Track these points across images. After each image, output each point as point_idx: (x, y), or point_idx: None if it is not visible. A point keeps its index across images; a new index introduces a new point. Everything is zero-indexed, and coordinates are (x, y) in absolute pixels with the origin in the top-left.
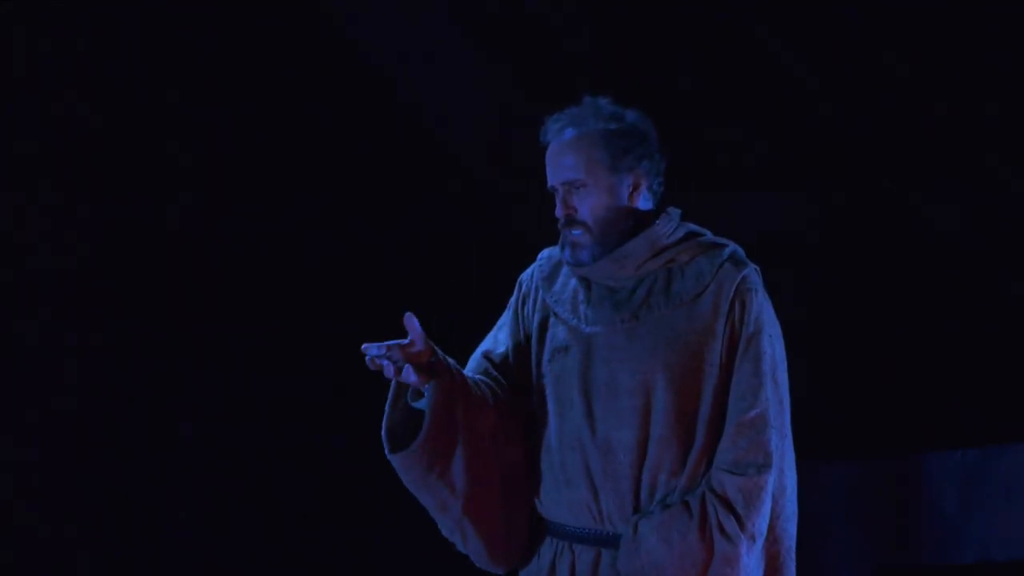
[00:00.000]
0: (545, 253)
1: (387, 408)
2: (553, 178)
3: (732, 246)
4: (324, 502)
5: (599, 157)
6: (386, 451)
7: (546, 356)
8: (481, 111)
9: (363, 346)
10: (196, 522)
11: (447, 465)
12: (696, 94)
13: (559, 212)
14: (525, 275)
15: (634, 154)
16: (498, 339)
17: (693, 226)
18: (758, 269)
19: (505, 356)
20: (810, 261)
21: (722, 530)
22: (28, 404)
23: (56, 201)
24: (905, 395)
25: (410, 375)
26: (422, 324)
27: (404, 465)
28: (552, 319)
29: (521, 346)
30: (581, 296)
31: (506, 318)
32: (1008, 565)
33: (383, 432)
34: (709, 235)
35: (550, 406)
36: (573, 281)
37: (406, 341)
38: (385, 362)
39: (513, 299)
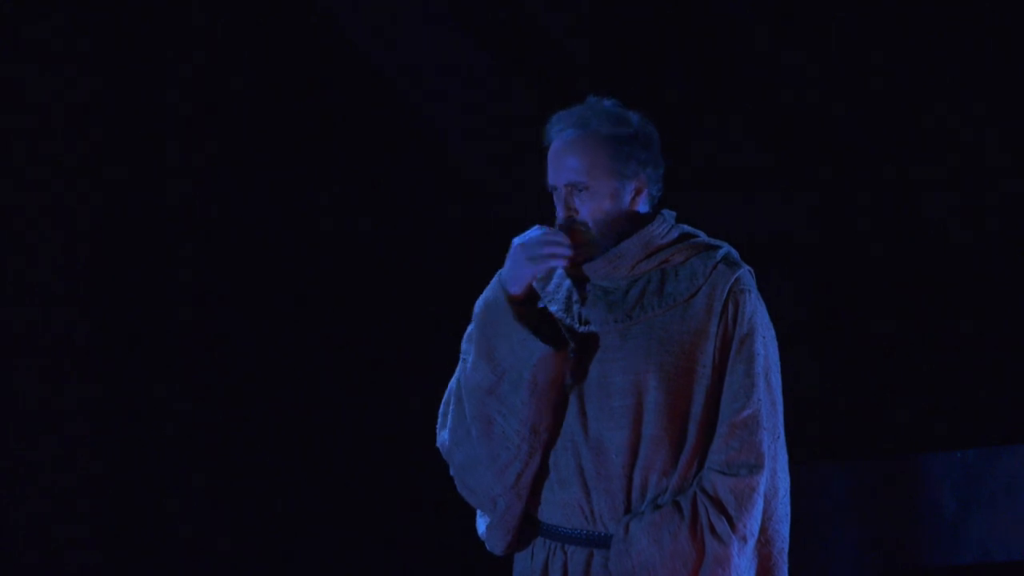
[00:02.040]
0: None
1: (504, 303)
2: (555, 178)
3: (726, 247)
4: (322, 502)
5: (604, 162)
6: (536, 343)
7: None
8: (481, 112)
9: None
10: (195, 522)
11: (561, 389)
12: (694, 94)
13: (559, 214)
14: None
15: (638, 160)
16: None
17: (687, 227)
18: (752, 271)
19: None
20: (809, 261)
21: (713, 531)
22: (28, 401)
23: (53, 198)
24: (905, 395)
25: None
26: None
27: (552, 362)
28: None
29: None
30: (575, 296)
31: None
32: (1008, 565)
33: (524, 325)
34: (703, 236)
35: None
36: (567, 282)
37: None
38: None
39: None
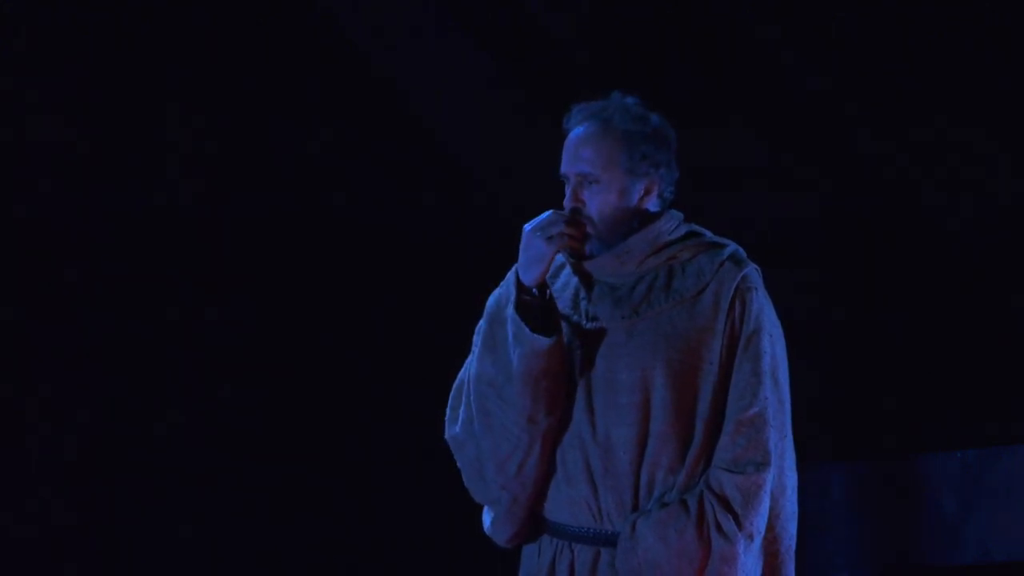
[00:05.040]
0: None
1: (514, 297)
2: (568, 166)
3: (733, 245)
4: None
5: (618, 158)
6: (526, 331)
7: None
8: (481, 112)
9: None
10: (195, 519)
11: (558, 378)
12: (695, 94)
13: (567, 202)
14: None
15: (652, 160)
16: None
17: (694, 226)
18: (758, 269)
19: None
20: (811, 261)
21: (719, 529)
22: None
23: (54, 196)
24: (905, 395)
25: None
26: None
27: (535, 352)
28: None
29: None
30: (582, 293)
31: None
32: (1008, 565)
33: (519, 312)
34: (710, 235)
35: None
36: (574, 279)
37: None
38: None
39: None
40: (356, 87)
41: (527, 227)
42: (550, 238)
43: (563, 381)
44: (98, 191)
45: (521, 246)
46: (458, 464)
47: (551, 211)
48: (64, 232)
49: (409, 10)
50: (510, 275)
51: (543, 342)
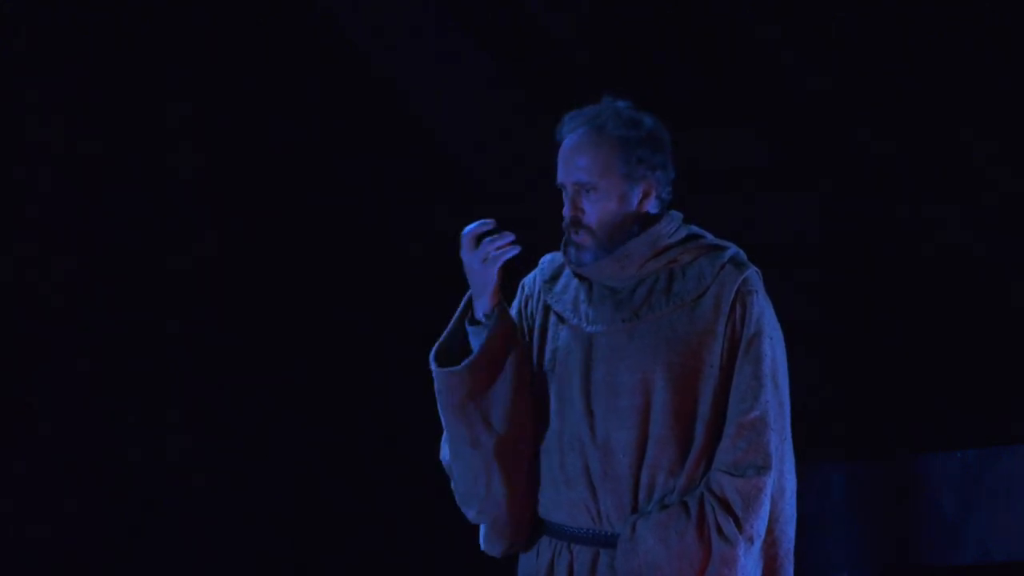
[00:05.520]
0: (547, 257)
1: (451, 325)
2: (564, 176)
3: (733, 248)
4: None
5: (614, 164)
6: (432, 367)
7: (547, 356)
8: (481, 112)
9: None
10: (195, 520)
11: (488, 397)
12: (696, 94)
13: (566, 212)
14: (527, 279)
15: (648, 163)
16: None
17: (695, 228)
18: (759, 271)
19: None
20: (812, 263)
21: (720, 531)
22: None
23: (54, 196)
24: (905, 395)
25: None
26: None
27: (447, 384)
28: (553, 319)
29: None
30: (583, 296)
31: None
32: (1008, 565)
33: (436, 347)
34: (710, 237)
35: (552, 406)
36: (575, 282)
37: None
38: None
39: (516, 302)
40: (356, 87)
41: (463, 255)
42: (484, 260)
43: (498, 394)
44: (98, 191)
45: (466, 274)
46: (452, 485)
47: (464, 231)
48: (64, 232)
49: (409, 10)
50: (461, 305)
51: (451, 375)
